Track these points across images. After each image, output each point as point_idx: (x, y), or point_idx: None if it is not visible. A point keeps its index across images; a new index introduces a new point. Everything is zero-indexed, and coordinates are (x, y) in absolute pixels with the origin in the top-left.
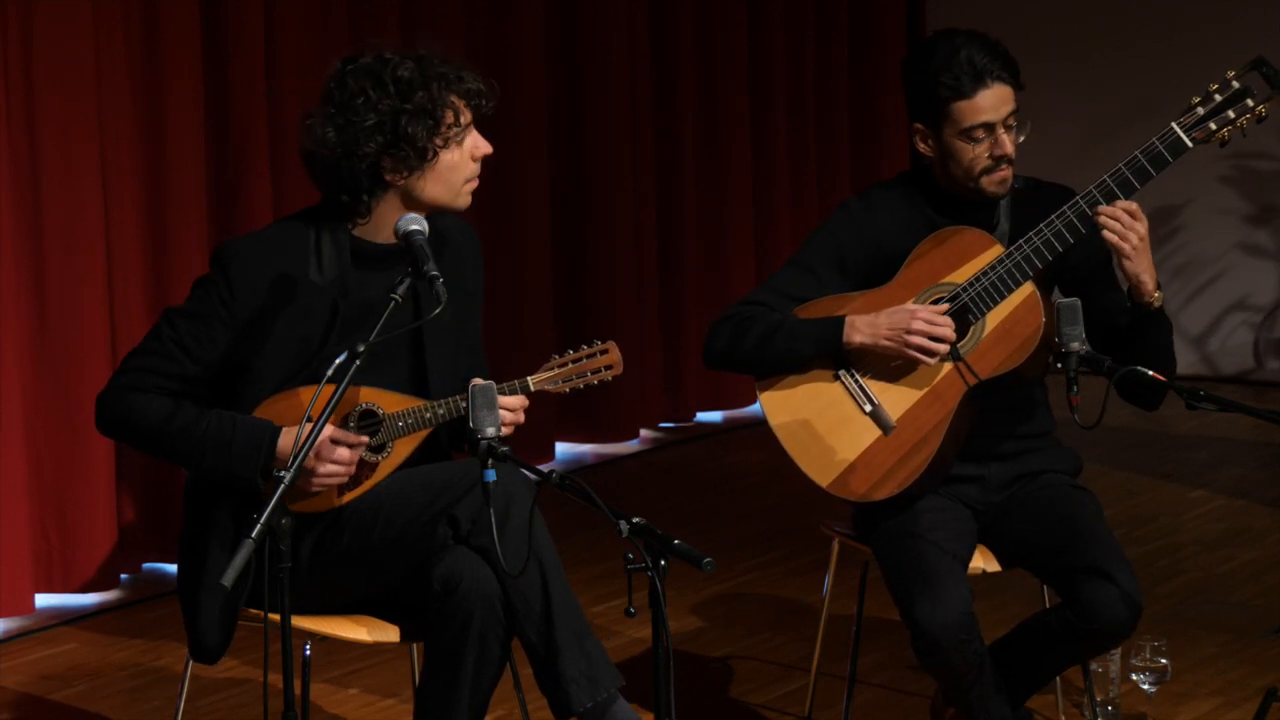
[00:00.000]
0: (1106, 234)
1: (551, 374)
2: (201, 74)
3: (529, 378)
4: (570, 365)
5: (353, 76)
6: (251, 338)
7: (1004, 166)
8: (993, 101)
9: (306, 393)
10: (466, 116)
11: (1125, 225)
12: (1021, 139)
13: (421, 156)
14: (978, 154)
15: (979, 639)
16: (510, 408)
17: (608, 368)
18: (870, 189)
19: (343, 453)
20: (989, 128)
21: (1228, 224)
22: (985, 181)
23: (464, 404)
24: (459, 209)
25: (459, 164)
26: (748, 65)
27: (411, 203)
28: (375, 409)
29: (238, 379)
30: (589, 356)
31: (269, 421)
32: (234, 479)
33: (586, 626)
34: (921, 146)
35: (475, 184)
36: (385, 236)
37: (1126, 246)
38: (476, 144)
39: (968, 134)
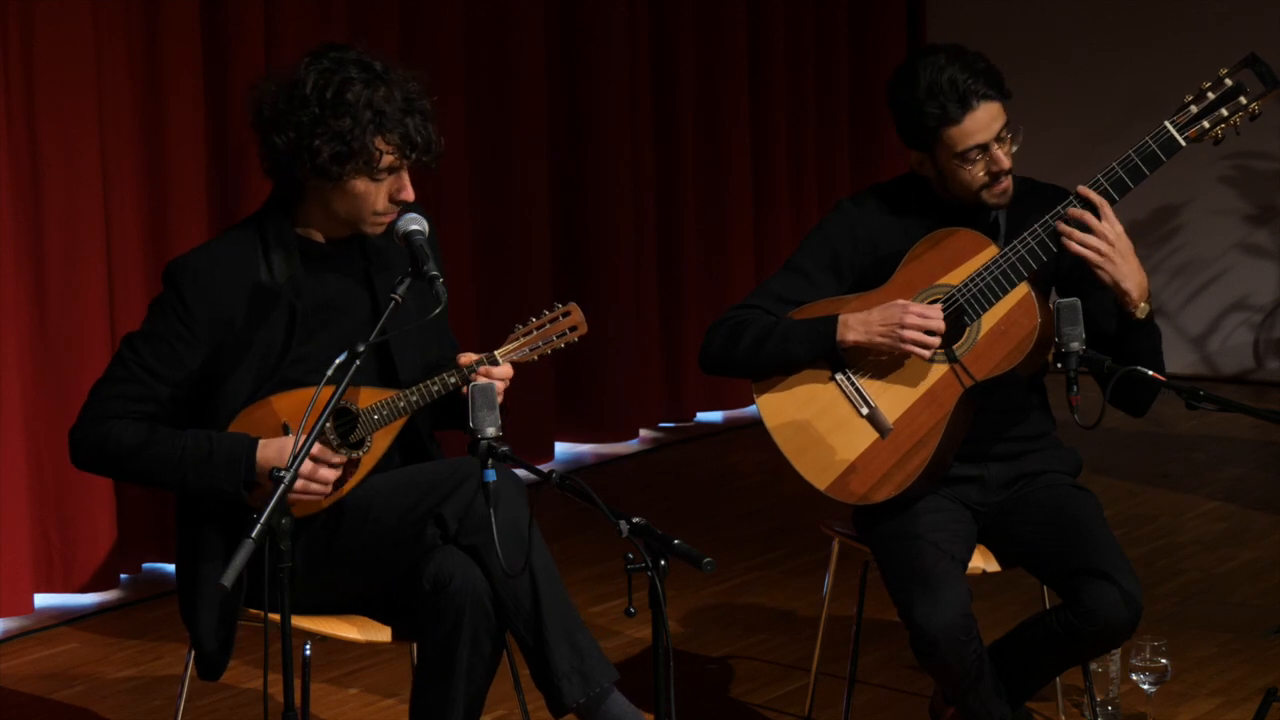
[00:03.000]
0: (1067, 243)
1: (518, 344)
2: (201, 74)
3: (496, 351)
4: (535, 332)
5: (315, 65)
6: (216, 351)
7: (1003, 179)
8: (983, 122)
9: (279, 400)
10: (388, 160)
11: (1091, 230)
12: (1015, 148)
13: (321, 174)
14: (975, 174)
15: (978, 639)
16: (501, 378)
17: (572, 329)
18: (866, 191)
19: (325, 473)
20: (983, 148)
21: (1228, 224)
22: (986, 195)
23: (435, 388)
24: (366, 234)
25: (369, 195)
26: (748, 65)
27: (325, 208)
28: (349, 406)
29: (209, 393)
30: (552, 321)
31: (245, 434)
32: (219, 495)
33: (579, 622)
34: (920, 170)
35: (389, 218)
36: (322, 234)
37: (1091, 254)
38: (400, 188)
39: (963, 157)
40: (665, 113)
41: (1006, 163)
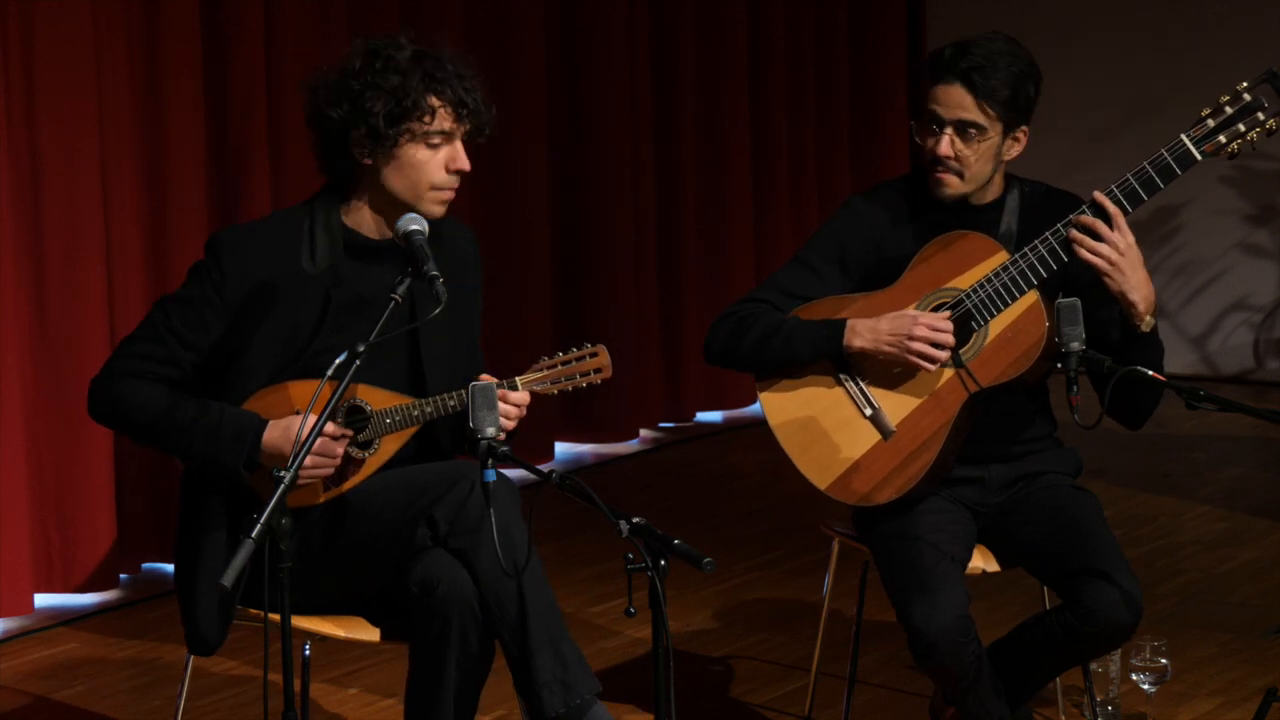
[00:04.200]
0: (1077, 250)
1: (541, 375)
2: (201, 74)
3: (518, 378)
4: (560, 367)
5: (365, 45)
6: (243, 325)
7: (939, 169)
8: (947, 99)
9: (295, 387)
10: (445, 123)
11: (1102, 238)
12: (959, 152)
13: (376, 138)
14: (924, 141)
15: (976, 641)
16: (517, 404)
17: (596, 370)
18: (876, 187)
19: (329, 445)
20: (936, 121)
21: (1228, 224)
22: (929, 178)
23: (452, 403)
24: (425, 215)
25: (424, 164)
26: (748, 65)
27: (381, 193)
28: (363, 405)
29: (228, 368)
30: (578, 359)
31: (256, 414)
32: (219, 468)
33: (564, 631)
34: None
35: (447, 195)
36: (373, 231)
37: (1101, 263)
38: (455, 156)
39: (918, 115)
40: (665, 113)
41: (944, 150)
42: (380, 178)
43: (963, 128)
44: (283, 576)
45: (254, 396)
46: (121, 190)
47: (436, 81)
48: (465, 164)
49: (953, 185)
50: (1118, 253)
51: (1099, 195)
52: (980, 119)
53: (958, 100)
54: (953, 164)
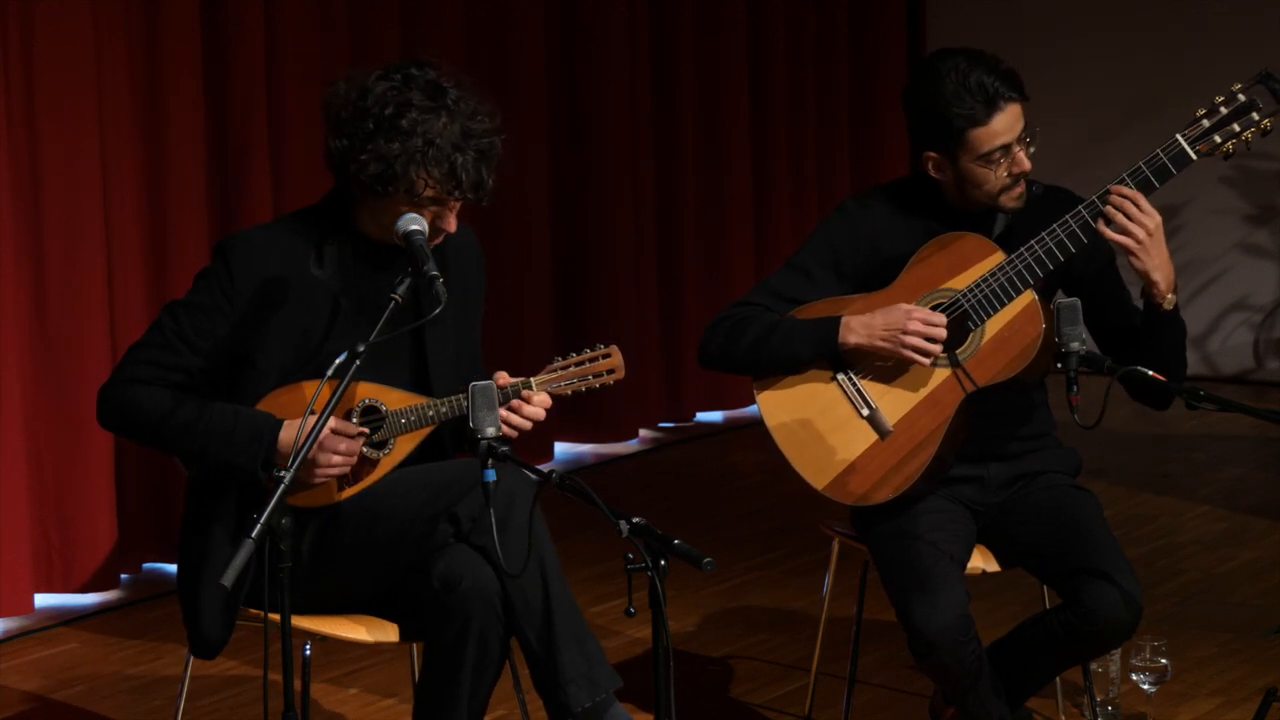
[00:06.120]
0: (1105, 229)
1: (554, 375)
2: (201, 74)
3: (532, 379)
4: (574, 368)
5: (385, 79)
6: (252, 329)
7: (1022, 182)
8: (1007, 123)
9: (310, 387)
10: (430, 192)
11: (1131, 218)
12: (1033, 149)
13: (363, 187)
14: (998, 175)
15: (976, 640)
16: (540, 405)
17: (610, 372)
18: (870, 191)
19: (344, 444)
20: (1006, 149)
21: (1228, 224)
22: (1005, 199)
23: (467, 402)
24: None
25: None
26: (748, 65)
27: (375, 216)
28: (378, 405)
29: (239, 372)
30: (591, 360)
31: (270, 414)
32: (235, 471)
33: (586, 627)
34: (935, 174)
35: (430, 244)
36: (381, 236)
37: (1131, 242)
38: (441, 220)
39: (986, 158)
40: (665, 113)
41: (1028, 164)
42: (371, 203)
43: (1022, 136)
44: (283, 576)
45: (269, 396)
46: (121, 190)
47: (432, 155)
48: (450, 228)
49: (1025, 190)
50: (1146, 232)
51: (1116, 188)
52: (1024, 116)
53: (1015, 116)
54: (1030, 169)
